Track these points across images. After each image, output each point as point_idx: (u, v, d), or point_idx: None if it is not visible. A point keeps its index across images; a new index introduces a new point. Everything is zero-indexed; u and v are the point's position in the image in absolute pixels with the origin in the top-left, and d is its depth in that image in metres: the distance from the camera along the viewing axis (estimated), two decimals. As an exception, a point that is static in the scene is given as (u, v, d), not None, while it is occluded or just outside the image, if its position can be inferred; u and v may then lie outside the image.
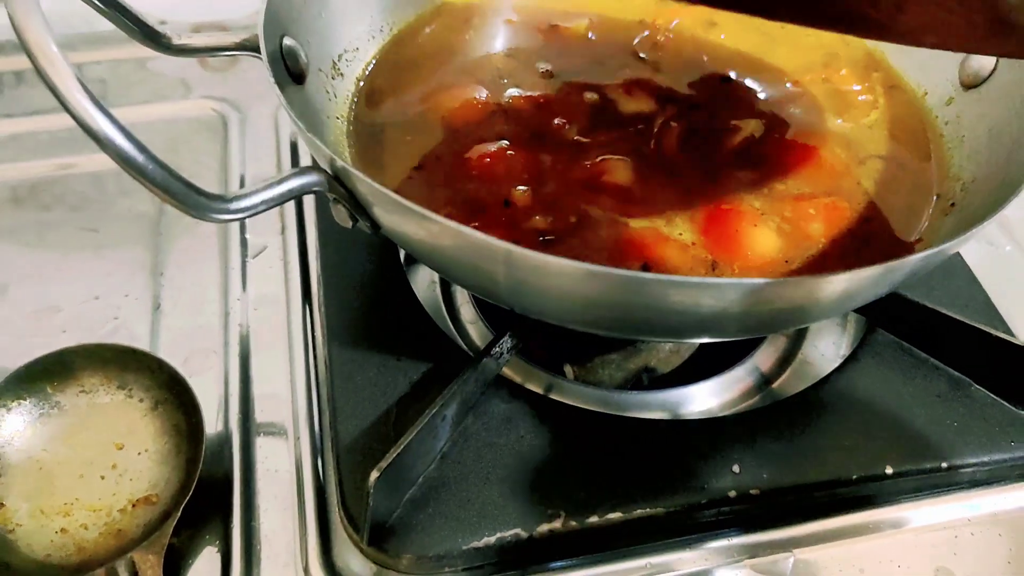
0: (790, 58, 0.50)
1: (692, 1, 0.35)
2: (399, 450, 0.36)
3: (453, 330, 0.48)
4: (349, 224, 0.36)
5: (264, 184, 0.33)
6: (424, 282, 0.49)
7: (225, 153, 0.56)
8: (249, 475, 0.41)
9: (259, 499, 0.40)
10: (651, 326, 0.36)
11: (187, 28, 0.66)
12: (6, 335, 0.46)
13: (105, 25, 0.40)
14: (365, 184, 0.33)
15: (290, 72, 0.41)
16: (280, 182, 0.33)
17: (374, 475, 0.35)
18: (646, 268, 0.37)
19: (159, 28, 0.39)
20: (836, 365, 0.44)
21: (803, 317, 0.37)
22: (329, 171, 0.35)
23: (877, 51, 0.50)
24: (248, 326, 0.47)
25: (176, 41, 0.40)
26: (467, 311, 0.49)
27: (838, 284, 0.31)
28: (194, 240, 0.51)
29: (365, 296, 0.46)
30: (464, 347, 0.48)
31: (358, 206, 0.35)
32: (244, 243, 0.51)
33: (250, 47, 0.40)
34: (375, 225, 0.36)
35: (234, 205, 0.32)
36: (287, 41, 0.41)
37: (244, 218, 0.33)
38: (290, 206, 0.52)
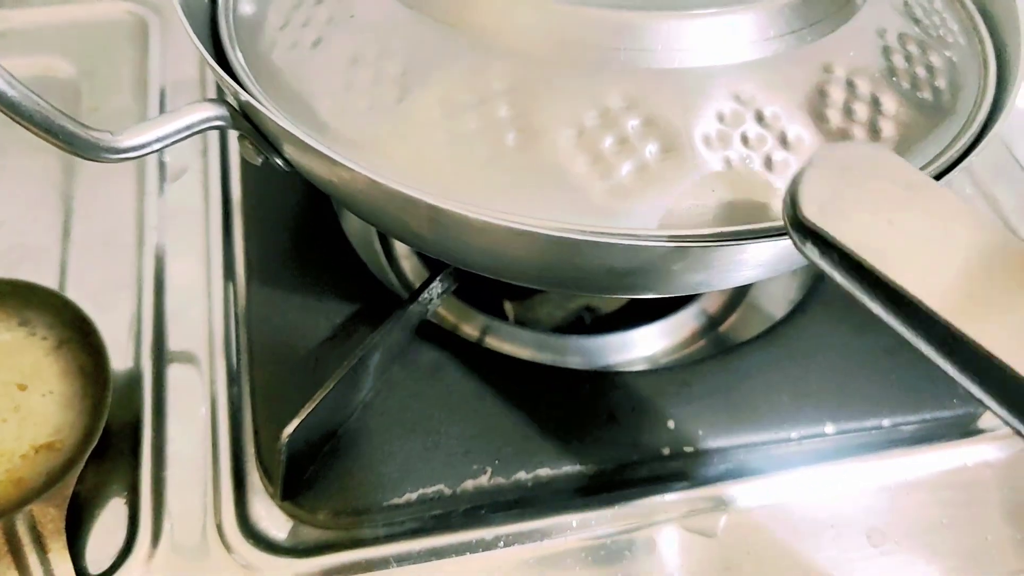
0: None
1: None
2: (315, 403, 0.34)
3: (386, 265, 0.46)
4: (258, 161, 0.33)
5: (158, 120, 0.30)
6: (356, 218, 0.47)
7: (144, 61, 0.52)
8: (160, 421, 0.38)
9: (170, 447, 0.38)
10: (592, 285, 0.34)
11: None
12: (-101, 263, 0.43)
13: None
14: (272, 122, 0.29)
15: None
16: (176, 117, 0.30)
17: (287, 431, 0.33)
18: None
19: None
20: (784, 312, 0.43)
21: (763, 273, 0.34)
22: (235, 104, 0.31)
23: None
24: (164, 258, 0.44)
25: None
26: (401, 245, 0.47)
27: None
28: (107, 167, 0.47)
29: (289, 228, 0.43)
30: (396, 284, 0.45)
31: (268, 144, 0.32)
32: (162, 166, 0.47)
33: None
34: (288, 164, 0.33)
35: (123, 143, 0.29)
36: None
37: (136, 158, 0.30)
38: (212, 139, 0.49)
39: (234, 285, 0.43)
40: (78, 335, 0.39)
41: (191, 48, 0.53)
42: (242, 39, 0.35)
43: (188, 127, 0.30)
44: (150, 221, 0.45)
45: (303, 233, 0.43)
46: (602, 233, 0.28)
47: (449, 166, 0.29)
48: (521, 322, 0.46)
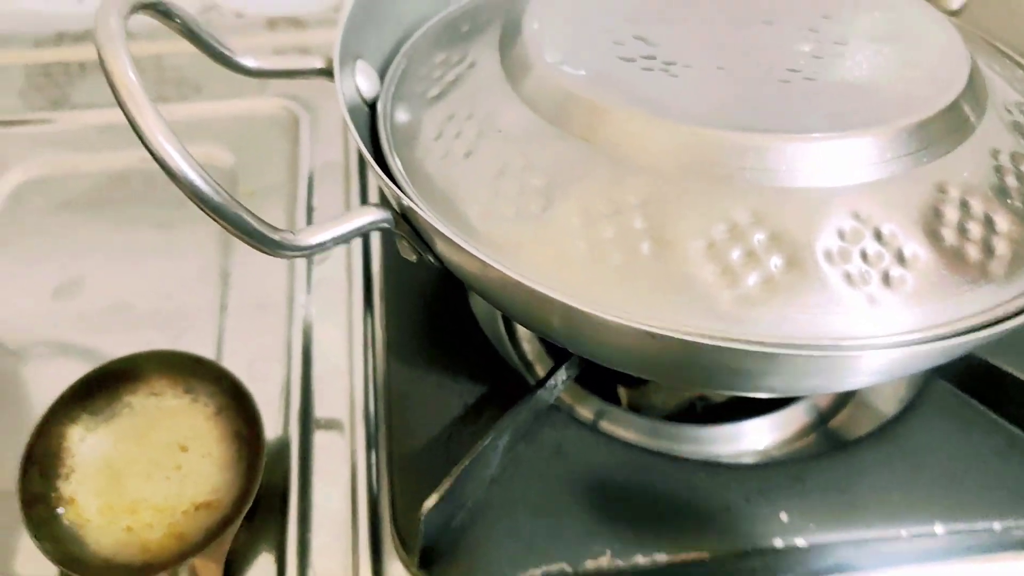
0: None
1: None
2: (451, 480, 0.37)
3: (509, 345, 0.49)
4: (413, 258, 0.37)
5: (333, 222, 0.34)
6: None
7: (295, 150, 0.57)
8: (305, 485, 0.42)
9: (314, 511, 0.41)
10: (715, 383, 0.36)
11: (263, 21, 0.67)
12: (83, 330, 0.48)
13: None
14: (430, 226, 0.33)
15: (362, 97, 0.41)
16: (348, 220, 0.34)
17: (427, 505, 0.36)
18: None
19: (238, 59, 0.40)
20: (895, 411, 0.44)
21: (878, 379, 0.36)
22: (396, 207, 0.35)
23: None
24: (311, 331, 0.48)
25: (253, 65, 0.40)
26: (523, 328, 0.50)
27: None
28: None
29: (425, 310, 0.47)
30: (518, 363, 0.48)
31: (423, 243, 0.36)
32: (310, 250, 0.52)
33: (325, 72, 0.40)
34: (439, 260, 0.37)
35: (304, 242, 0.33)
36: (360, 64, 0.42)
37: (312, 255, 0.34)
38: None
39: (374, 358, 0.47)
40: (235, 403, 0.44)
41: (336, 139, 0.58)
42: (399, 146, 0.39)
43: (357, 228, 0.34)
44: (299, 296, 0.49)
45: (436, 312, 0.47)
46: (728, 339, 0.30)
47: (587, 271, 0.32)
48: (634, 407, 0.48)
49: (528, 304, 0.33)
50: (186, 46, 0.67)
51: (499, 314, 0.50)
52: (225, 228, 0.32)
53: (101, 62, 0.31)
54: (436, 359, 0.45)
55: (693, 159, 0.33)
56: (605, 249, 0.32)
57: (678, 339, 0.30)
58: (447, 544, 0.38)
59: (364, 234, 0.35)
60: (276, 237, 0.32)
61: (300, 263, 0.51)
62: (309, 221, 0.53)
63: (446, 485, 0.37)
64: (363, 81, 0.41)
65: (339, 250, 0.52)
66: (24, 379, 0.47)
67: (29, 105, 0.62)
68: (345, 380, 0.46)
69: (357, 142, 0.36)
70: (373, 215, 0.34)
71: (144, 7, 0.34)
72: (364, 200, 0.54)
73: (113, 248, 0.53)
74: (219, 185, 0.31)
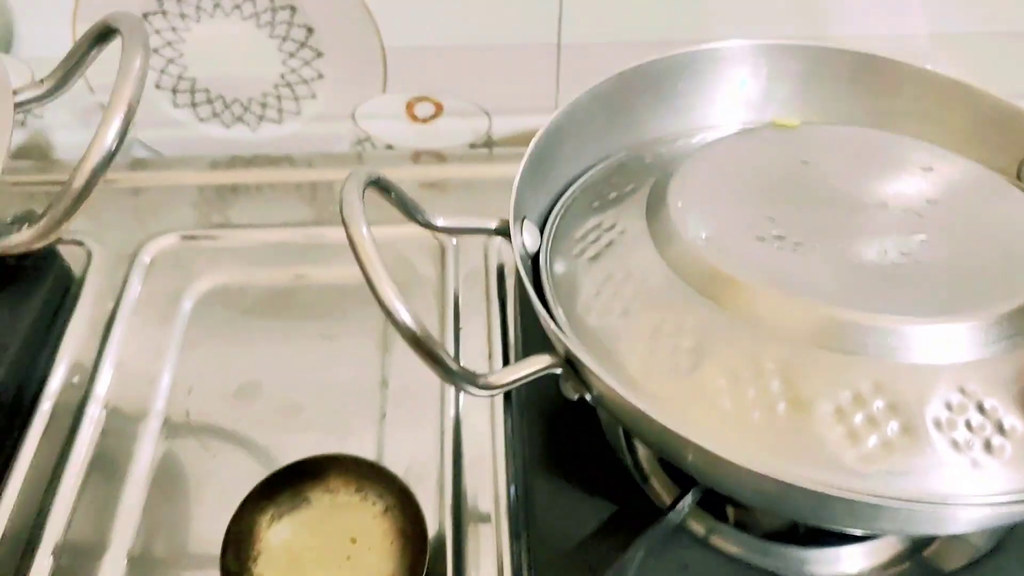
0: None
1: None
2: (597, 590, 0.43)
3: (632, 466, 0.55)
4: (574, 398, 0.43)
5: (515, 367, 0.41)
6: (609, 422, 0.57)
7: (442, 274, 0.65)
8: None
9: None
10: (830, 523, 0.42)
11: (409, 153, 0.76)
12: (264, 429, 0.56)
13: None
14: (594, 375, 0.40)
15: (526, 251, 0.49)
16: (528, 365, 0.41)
17: (577, 609, 0.42)
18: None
19: (430, 218, 0.48)
20: (988, 546, 0.49)
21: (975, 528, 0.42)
22: (562, 353, 0.42)
23: None
24: (461, 436, 0.55)
25: (441, 224, 0.48)
26: (645, 453, 0.56)
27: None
28: (414, 358, 0.60)
29: (559, 433, 0.54)
30: (638, 478, 0.54)
31: (584, 386, 0.43)
32: (458, 367, 0.59)
33: (500, 232, 0.48)
34: (597, 400, 0.43)
35: (493, 383, 0.40)
36: (526, 222, 0.49)
37: (494, 395, 0.41)
38: (496, 346, 0.61)
39: (516, 467, 0.53)
40: (400, 503, 0.50)
41: (478, 265, 0.66)
42: (561, 298, 0.46)
43: (534, 372, 0.41)
44: (448, 407, 0.57)
45: (569, 437, 0.53)
46: (851, 491, 0.36)
47: (731, 425, 0.39)
48: (740, 524, 0.54)
49: (676, 447, 0.40)
50: (336, 172, 0.76)
51: (622, 436, 0.56)
52: (432, 367, 0.39)
53: (347, 230, 0.39)
54: (570, 477, 0.51)
55: (823, 333, 0.40)
56: (747, 407, 0.39)
57: (808, 490, 0.36)
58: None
59: (539, 376, 0.42)
60: (469, 377, 0.40)
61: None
62: (456, 342, 0.60)
63: (594, 593, 0.43)
64: (527, 237, 0.49)
65: (483, 359, 0.59)
66: (215, 471, 0.54)
67: (200, 222, 0.71)
68: (490, 484, 0.52)
69: (533, 300, 0.43)
70: (547, 362, 0.42)
71: (372, 184, 0.43)
72: (505, 328, 0.61)
73: (285, 354, 0.61)
74: (431, 336, 0.38)
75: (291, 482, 0.51)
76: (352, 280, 0.64)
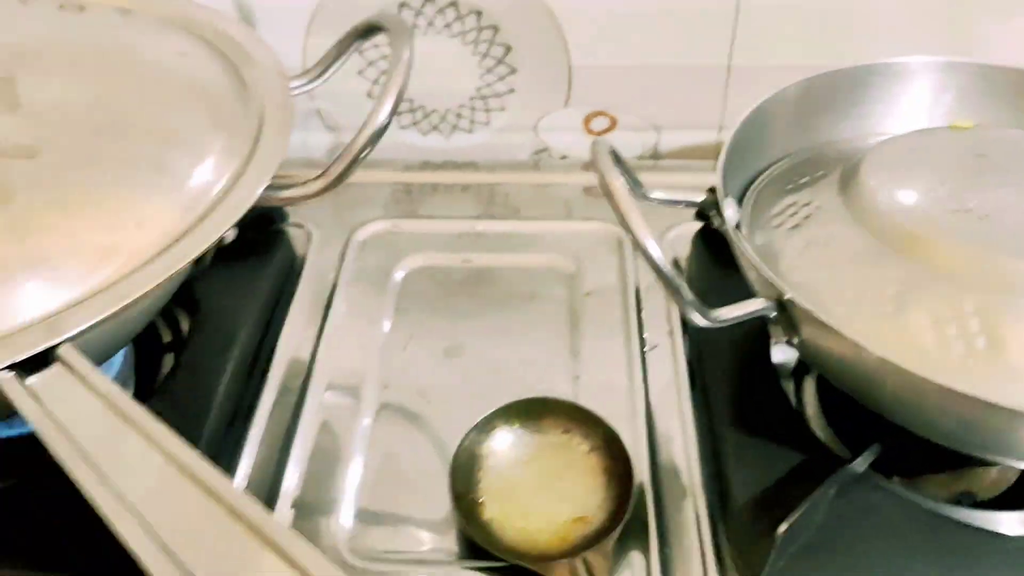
0: None
1: None
2: (799, 513, 0.48)
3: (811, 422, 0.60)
4: (783, 341, 0.49)
5: (736, 306, 0.47)
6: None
7: (622, 261, 0.72)
8: (662, 527, 0.54)
9: (670, 536, 0.53)
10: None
11: (580, 163, 0.85)
12: (472, 382, 0.63)
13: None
14: (807, 313, 0.46)
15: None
16: (747, 306, 0.48)
17: (781, 529, 0.47)
18: None
19: (647, 192, 0.55)
20: None
21: None
22: (776, 300, 0.48)
23: None
24: (651, 403, 0.61)
25: (654, 196, 0.56)
26: (813, 406, 0.61)
27: None
28: (602, 330, 0.67)
29: (741, 395, 0.59)
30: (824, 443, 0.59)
31: (793, 330, 0.49)
32: (642, 341, 0.66)
33: (706, 206, 0.55)
34: (801, 344, 0.49)
35: (720, 316, 0.47)
36: (728, 199, 0.56)
37: (717, 326, 0.47)
38: (675, 315, 0.67)
39: (702, 422, 0.59)
40: (605, 445, 0.57)
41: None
42: (766, 260, 0.53)
43: (751, 312, 0.48)
44: (636, 377, 0.63)
45: (751, 393, 0.58)
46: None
47: (933, 359, 0.44)
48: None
49: (879, 378, 0.45)
50: (514, 176, 0.84)
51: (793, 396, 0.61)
52: (672, 297, 0.46)
53: (603, 180, 0.47)
54: (754, 429, 0.56)
55: (1019, 284, 0.45)
56: (949, 343, 0.44)
57: (1013, 410, 0.41)
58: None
59: (750, 318, 0.48)
60: (709, 314, 0.46)
61: (635, 350, 0.65)
62: (640, 328, 0.67)
63: (795, 516, 0.48)
64: (730, 211, 0.56)
65: (664, 343, 0.65)
66: (432, 415, 0.61)
67: (388, 214, 0.80)
68: (680, 441, 0.58)
69: (748, 252, 0.49)
70: (763, 304, 0.48)
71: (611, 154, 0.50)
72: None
73: (483, 325, 0.68)
74: (675, 272, 0.45)
75: (506, 420, 0.58)
76: (536, 265, 0.72)
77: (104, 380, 0.40)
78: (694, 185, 0.59)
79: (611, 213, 0.70)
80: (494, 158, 0.85)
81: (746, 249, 0.50)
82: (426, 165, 0.85)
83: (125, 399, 0.39)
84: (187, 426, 0.39)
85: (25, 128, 0.50)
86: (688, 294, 0.46)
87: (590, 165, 0.84)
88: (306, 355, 0.66)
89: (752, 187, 0.60)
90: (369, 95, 0.82)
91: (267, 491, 0.57)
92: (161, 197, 0.49)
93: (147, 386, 0.62)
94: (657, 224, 0.72)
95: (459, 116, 0.83)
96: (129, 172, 0.50)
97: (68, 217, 0.46)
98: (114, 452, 0.37)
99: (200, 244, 0.47)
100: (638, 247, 0.45)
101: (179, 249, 0.47)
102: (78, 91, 0.55)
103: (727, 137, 0.56)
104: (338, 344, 0.67)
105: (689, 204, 0.56)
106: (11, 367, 0.40)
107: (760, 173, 0.62)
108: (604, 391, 0.62)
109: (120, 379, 0.61)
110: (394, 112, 0.54)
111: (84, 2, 0.65)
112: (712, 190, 0.56)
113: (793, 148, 0.64)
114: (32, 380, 0.41)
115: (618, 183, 0.46)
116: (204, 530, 0.33)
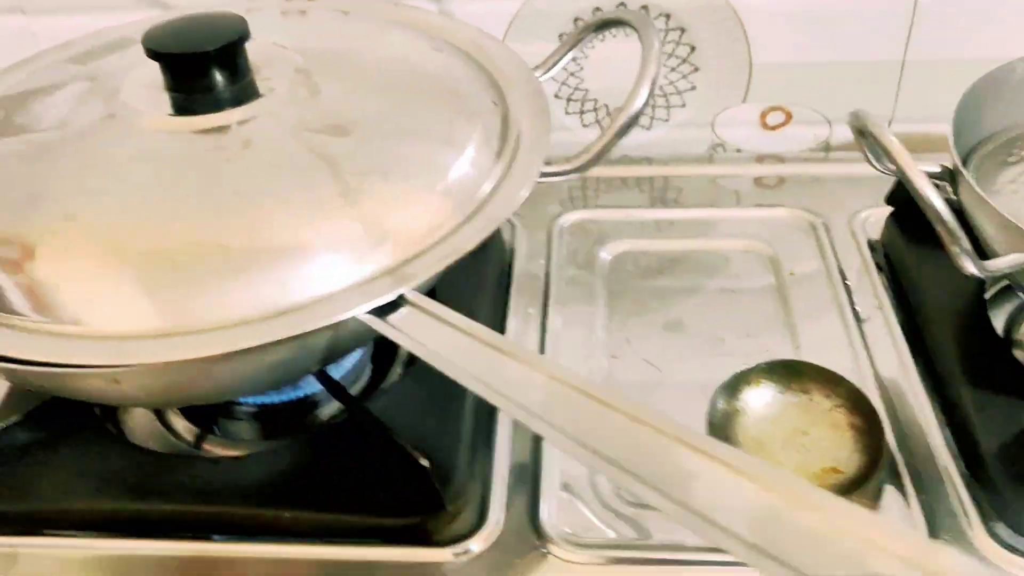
0: None
1: None
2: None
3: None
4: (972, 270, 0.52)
5: (1000, 260, 0.51)
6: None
7: (817, 249, 0.76)
8: (916, 477, 0.57)
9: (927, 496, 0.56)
10: None
11: (753, 156, 0.89)
12: (697, 353, 0.67)
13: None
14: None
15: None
16: (1008, 260, 0.51)
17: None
18: None
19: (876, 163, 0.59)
20: None
21: None
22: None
23: None
24: (876, 368, 0.64)
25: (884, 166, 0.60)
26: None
27: None
28: (814, 305, 0.70)
29: (966, 353, 0.62)
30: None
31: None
32: (855, 313, 0.69)
33: (941, 176, 0.59)
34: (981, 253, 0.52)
35: (987, 267, 0.50)
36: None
37: (988, 276, 0.50)
38: (881, 291, 0.70)
39: (929, 385, 0.62)
40: (848, 402, 0.60)
41: (847, 241, 0.76)
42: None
43: (1015, 265, 0.51)
44: (857, 348, 0.66)
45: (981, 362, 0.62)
46: None
47: None
48: None
49: None
50: (685, 169, 0.88)
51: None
52: (949, 245, 0.50)
53: (881, 140, 0.50)
54: (990, 386, 0.59)
55: None
56: None
57: None
58: None
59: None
60: (984, 263, 0.49)
61: (851, 321, 0.68)
62: (852, 303, 0.70)
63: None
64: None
65: (875, 316, 0.69)
66: (663, 382, 0.65)
67: (572, 207, 0.84)
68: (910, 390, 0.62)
69: (1000, 210, 0.53)
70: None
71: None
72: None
73: (695, 303, 0.72)
74: (952, 220, 0.49)
75: (749, 381, 0.61)
76: (731, 248, 0.76)
77: (461, 317, 0.44)
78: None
79: (794, 199, 0.74)
80: (670, 152, 0.89)
81: (999, 208, 0.53)
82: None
83: (487, 331, 0.43)
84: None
85: (331, 109, 0.56)
86: (967, 244, 0.49)
87: (761, 158, 0.88)
88: (535, 337, 0.70)
89: (970, 160, 0.64)
90: (556, 96, 0.87)
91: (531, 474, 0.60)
92: (444, 182, 0.53)
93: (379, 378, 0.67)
94: (847, 207, 0.77)
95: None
96: (417, 158, 0.55)
97: (390, 185, 0.51)
98: (497, 374, 0.41)
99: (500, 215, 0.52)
100: (919, 198, 0.49)
101: (480, 220, 0.51)
102: (352, 85, 0.60)
103: (957, 100, 0.60)
104: (560, 322, 0.71)
105: (933, 175, 0.59)
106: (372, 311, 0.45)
107: (975, 147, 0.65)
108: (828, 358, 0.65)
109: (357, 369, 0.66)
110: (650, 97, 0.59)
111: (305, 6, 0.71)
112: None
113: (1000, 127, 0.67)
114: (392, 318, 0.45)
115: (896, 144, 0.50)
116: (610, 436, 0.37)
